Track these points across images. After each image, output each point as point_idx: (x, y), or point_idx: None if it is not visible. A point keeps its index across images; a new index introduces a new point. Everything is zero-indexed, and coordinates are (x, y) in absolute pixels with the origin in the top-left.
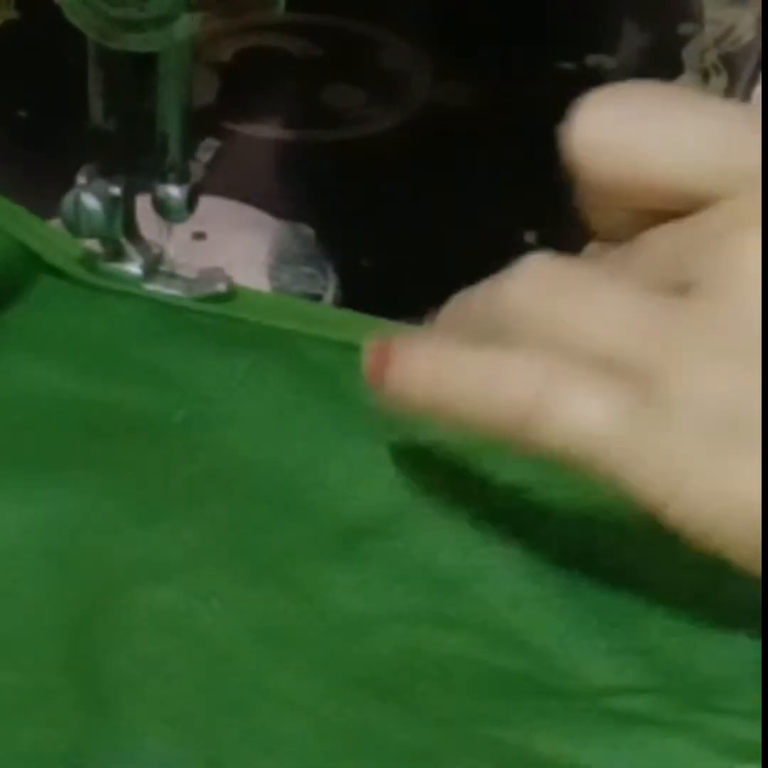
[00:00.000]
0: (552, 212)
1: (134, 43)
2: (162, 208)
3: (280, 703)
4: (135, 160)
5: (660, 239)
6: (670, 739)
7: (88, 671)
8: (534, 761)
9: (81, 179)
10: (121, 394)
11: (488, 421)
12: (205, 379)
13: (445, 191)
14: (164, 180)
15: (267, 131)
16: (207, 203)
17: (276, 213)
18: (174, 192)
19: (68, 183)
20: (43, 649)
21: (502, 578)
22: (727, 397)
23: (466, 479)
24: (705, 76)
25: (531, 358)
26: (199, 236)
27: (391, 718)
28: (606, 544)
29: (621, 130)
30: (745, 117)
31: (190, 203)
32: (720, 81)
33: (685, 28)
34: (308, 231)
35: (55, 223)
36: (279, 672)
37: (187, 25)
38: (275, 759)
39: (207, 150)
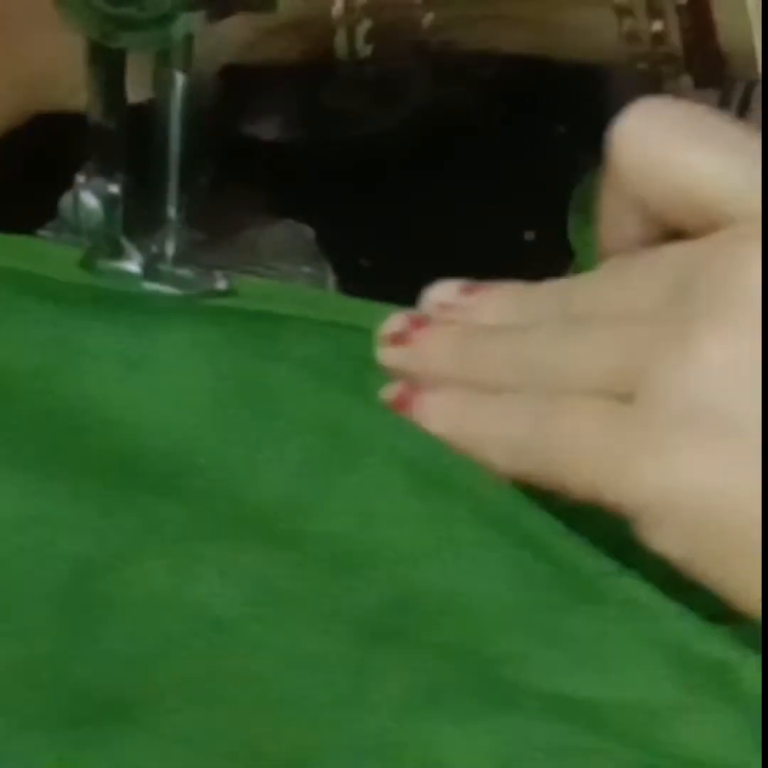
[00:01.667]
0: (552, 212)
1: (133, 42)
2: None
3: (284, 661)
4: (134, 158)
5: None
6: None
7: (81, 649)
8: (530, 692)
9: (80, 178)
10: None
11: (499, 456)
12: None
13: (445, 191)
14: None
15: (267, 131)
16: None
17: (275, 212)
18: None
19: (67, 182)
20: (33, 620)
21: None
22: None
23: None
24: None
25: (529, 398)
26: (199, 235)
27: (393, 657)
28: None
29: (669, 147)
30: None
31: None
32: None
33: None
34: (308, 231)
35: (53, 223)
36: (279, 629)
37: (186, 24)
38: (287, 718)
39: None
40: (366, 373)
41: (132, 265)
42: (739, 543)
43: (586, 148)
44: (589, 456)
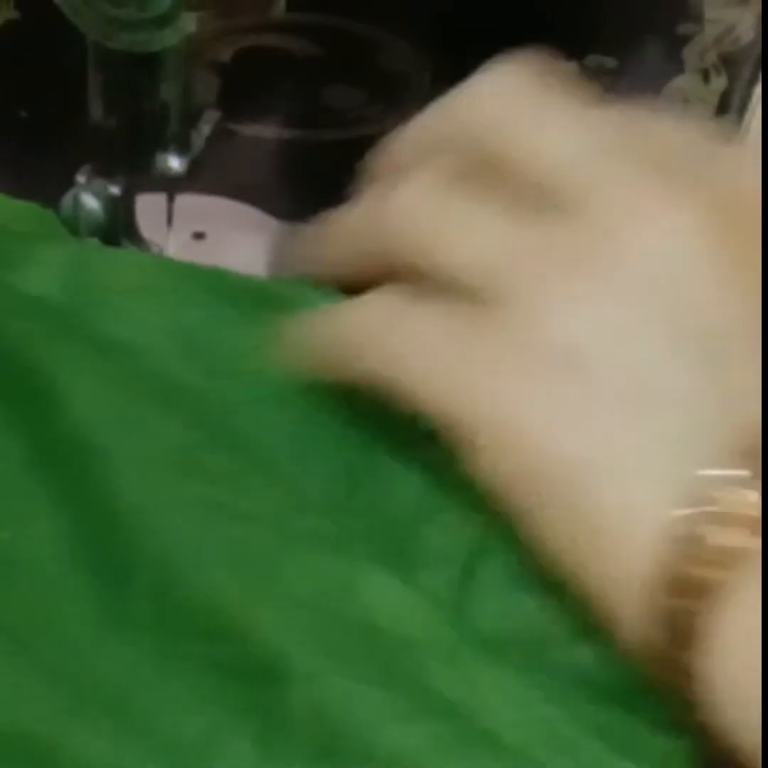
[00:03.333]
0: None
1: (134, 42)
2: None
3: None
4: (134, 159)
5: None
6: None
7: None
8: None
9: (80, 178)
10: None
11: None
12: None
13: None
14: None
15: (267, 131)
16: (207, 203)
17: (276, 213)
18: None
19: (68, 182)
20: None
21: None
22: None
23: None
24: (705, 76)
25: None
26: (199, 236)
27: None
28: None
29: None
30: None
31: (190, 173)
32: (720, 81)
33: (684, 28)
34: None
35: None
36: None
37: (186, 24)
38: None
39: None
40: None
41: None
42: (552, 491)
43: None
44: (441, 366)
